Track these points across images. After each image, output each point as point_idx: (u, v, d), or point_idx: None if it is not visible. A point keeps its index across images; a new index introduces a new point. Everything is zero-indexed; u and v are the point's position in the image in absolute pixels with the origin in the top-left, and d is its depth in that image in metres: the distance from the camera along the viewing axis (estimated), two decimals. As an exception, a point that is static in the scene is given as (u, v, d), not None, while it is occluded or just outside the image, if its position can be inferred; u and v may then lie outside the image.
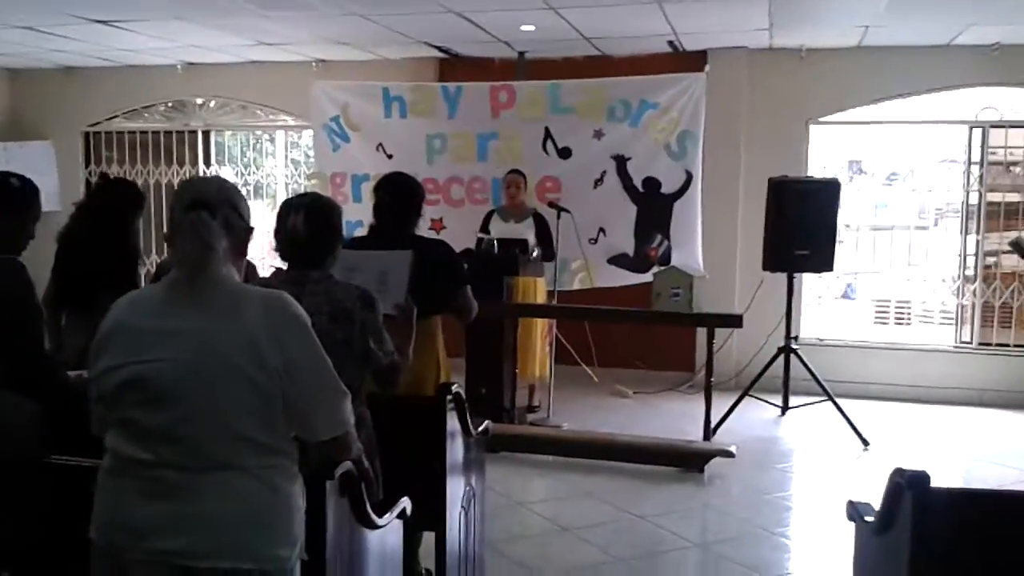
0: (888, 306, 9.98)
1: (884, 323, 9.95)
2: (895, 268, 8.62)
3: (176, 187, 8.76)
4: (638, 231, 7.24)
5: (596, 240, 7.30)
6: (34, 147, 9.16)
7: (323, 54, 8.34)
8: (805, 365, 6.36)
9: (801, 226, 6.18)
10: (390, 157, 7.59)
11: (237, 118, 9.24)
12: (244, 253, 2.09)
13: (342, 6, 6.35)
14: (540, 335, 6.69)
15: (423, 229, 3.93)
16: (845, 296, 9.95)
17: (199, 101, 9.25)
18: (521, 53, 7.87)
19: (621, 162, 7.21)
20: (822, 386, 6.25)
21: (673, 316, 5.79)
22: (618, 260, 7.29)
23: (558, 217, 6.64)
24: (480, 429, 3.51)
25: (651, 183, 7.19)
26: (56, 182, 8.81)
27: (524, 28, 6.88)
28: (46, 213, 3.16)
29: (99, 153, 9.52)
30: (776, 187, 6.31)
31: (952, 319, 7.96)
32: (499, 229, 6.82)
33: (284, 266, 2.82)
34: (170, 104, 9.31)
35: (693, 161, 7.13)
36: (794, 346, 6.45)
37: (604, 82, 7.26)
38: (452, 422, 3.23)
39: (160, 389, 1.88)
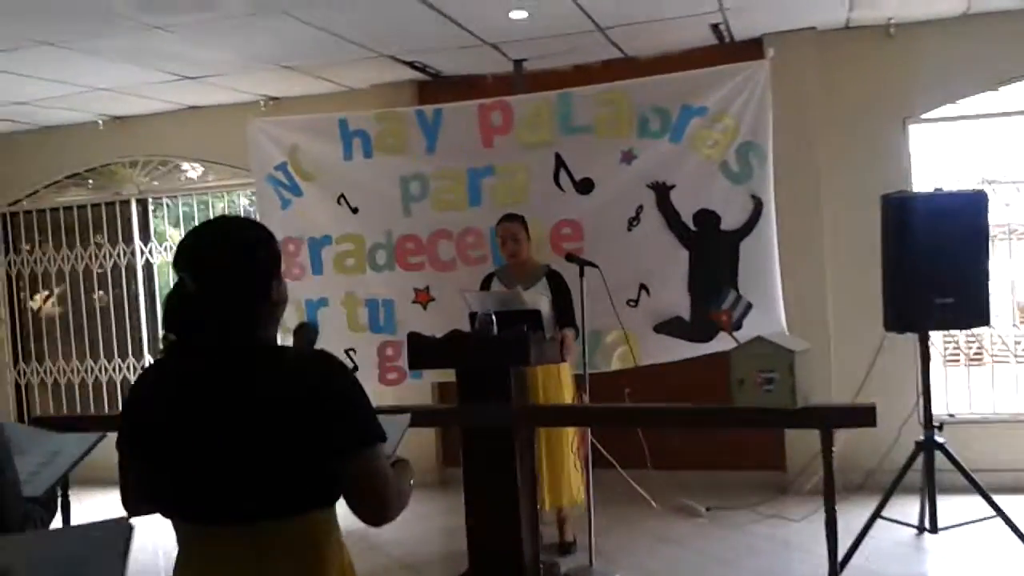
0: None
1: None
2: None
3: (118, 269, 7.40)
4: (694, 285, 5.29)
5: (637, 301, 5.35)
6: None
7: (270, 88, 6.57)
8: (958, 465, 4.32)
9: (939, 262, 4.19)
10: (355, 211, 5.75)
11: (177, 181, 7.47)
12: None
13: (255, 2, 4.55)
14: (568, 445, 4.72)
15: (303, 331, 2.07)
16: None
17: (130, 163, 7.49)
18: (518, 62, 6.02)
19: (662, 192, 5.29)
20: (987, 498, 4.20)
21: (769, 415, 3.78)
22: (670, 327, 5.32)
23: (581, 274, 4.72)
24: None
25: (706, 217, 5.26)
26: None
27: (515, 16, 5.02)
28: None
29: (21, 237, 7.78)
30: (895, 207, 4.33)
31: None
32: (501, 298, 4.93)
33: None
34: (96, 170, 7.56)
35: (762, 182, 5.18)
36: (939, 438, 4.40)
37: (630, 85, 5.36)
38: None
39: None
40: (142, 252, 7.49)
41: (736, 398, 3.81)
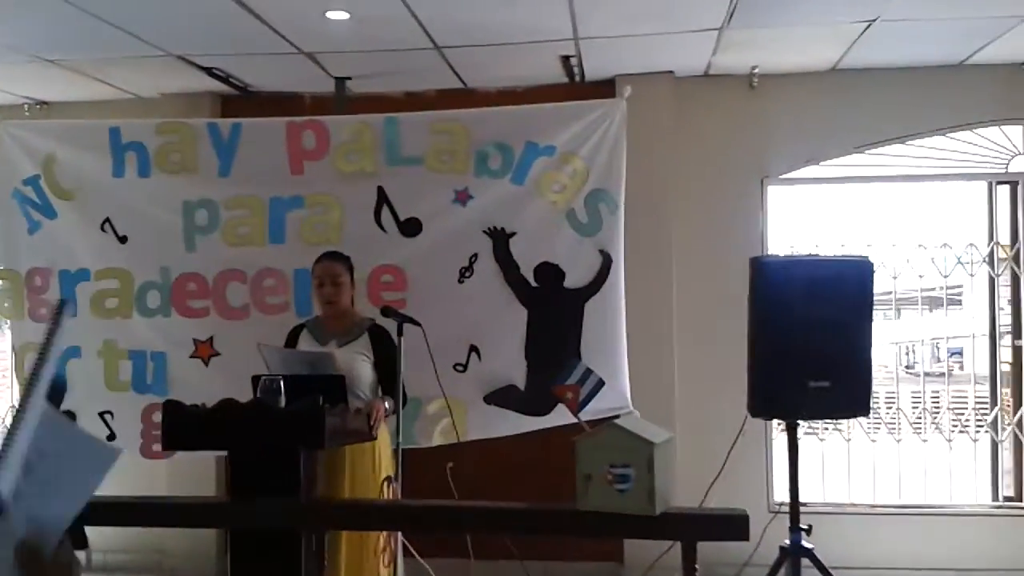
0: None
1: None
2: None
3: None
4: (532, 349, 4.54)
5: (466, 366, 4.55)
6: None
7: (35, 88, 5.38)
8: (826, 572, 3.71)
9: (814, 338, 3.60)
10: (123, 241, 4.66)
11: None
12: None
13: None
14: (373, 548, 3.77)
15: None
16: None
17: None
18: (340, 80, 5.13)
19: (501, 239, 4.54)
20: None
21: (621, 524, 3.00)
22: (503, 397, 4.55)
23: (399, 332, 3.87)
24: None
25: (549, 272, 4.54)
26: None
27: (333, 16, 4.14)
28: None
29: None
30: (766, 272, 3.72)
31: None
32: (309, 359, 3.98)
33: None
34: None
35: (611, 235, 4.53)
36: (807, 543, 3.77)
37: (469, 114, 4.61)
38: None
39: None
40: None
41: (581, 497, 3.02)
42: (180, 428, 3.36)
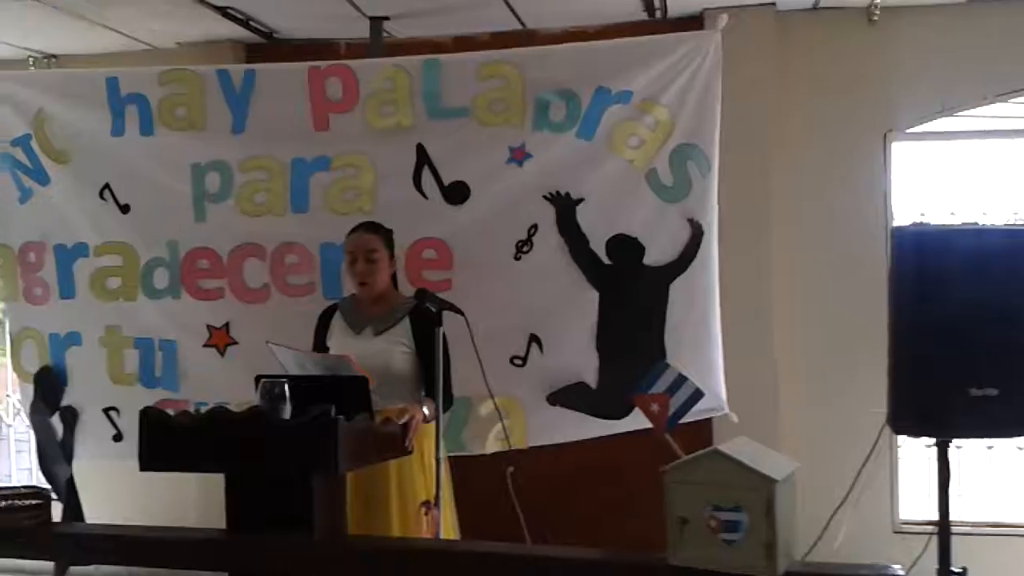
0: None
1: None
2: None
3: None
4: (606, 339, 3.76)
5: (525, 359, 3.80)
6: None
7: (40, 40, 4.75)
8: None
9: (978, 334, 2.72)
10: (125, 210, 4.00)
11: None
12: None
13: None
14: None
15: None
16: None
17: None
18: (376, 21, 4.36)
19: (566, 207, 3.75)
20: None
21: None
22: (570, 396, 3.79)
23: (437, 322, 3.11)
24: None
25: (625, 246, 3.74)
26: None
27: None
28: None
29: None
30: (911, 246, 2.84)
31: None
32: (342, 345, 3.28)
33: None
34: None
35: (702, 201, 3.72)
36: (961, 588, 2.92)
37: (526, 55, 3.80)
38: None
39: None
40: None
41: (674, 547, 2.24)
42: (161, 442, 2.67)
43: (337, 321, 3.42)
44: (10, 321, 4.27)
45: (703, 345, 3.75)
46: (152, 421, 2.66)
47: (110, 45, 4.83)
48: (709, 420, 3.88)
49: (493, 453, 3.80)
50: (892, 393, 2.84)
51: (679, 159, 3.70)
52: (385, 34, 4.53)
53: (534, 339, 3.79)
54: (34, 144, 4.01)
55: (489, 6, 4.28)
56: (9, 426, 5.56)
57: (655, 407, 2.56)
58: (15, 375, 4.33)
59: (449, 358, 3.25)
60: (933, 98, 4.35)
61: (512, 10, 4.35)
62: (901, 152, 4.42)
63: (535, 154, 3.73)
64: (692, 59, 3.66)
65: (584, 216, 3.73)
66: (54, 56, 4.99)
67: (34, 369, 4.13)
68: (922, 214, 4.39)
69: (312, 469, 2.58)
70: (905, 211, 4.39)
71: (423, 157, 3.81)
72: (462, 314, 3.09)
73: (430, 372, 3.18)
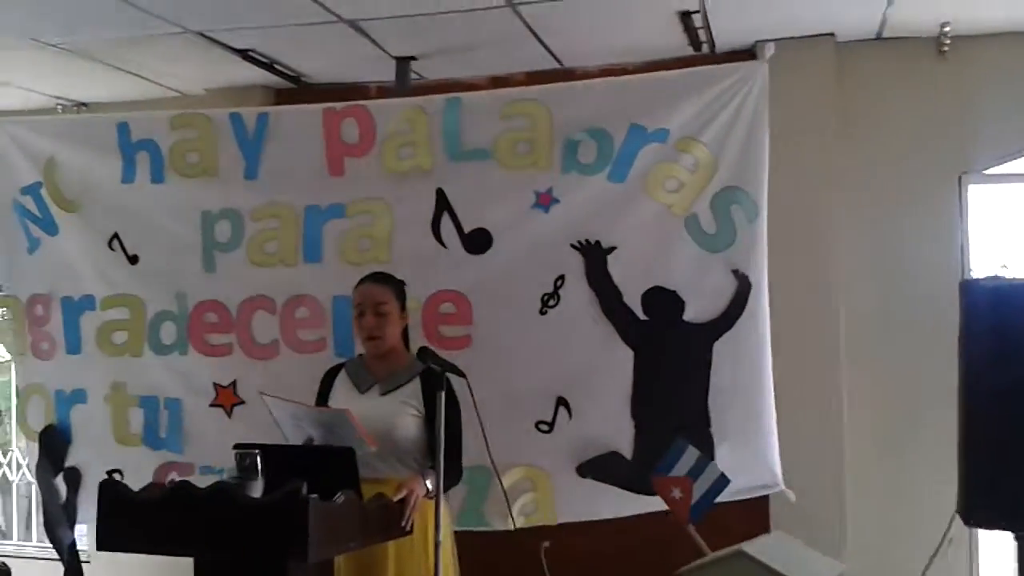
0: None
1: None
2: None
3: None
4: (642, 403, 3.38)
5: (552, 426, 3.44)
6: None
7: (67, 88, 4.65)
8: None
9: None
10: (134, 261, 3.80)
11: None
12: None
13: None
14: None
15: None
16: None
17: None
18: (402, 62, 4.13)
19: (596, 257, 3.40)
20: None
21: None
22: (603, 467, 3.40)
23: (439, 386, 2.77)
24: None
25: (663, 300, 3.38)
26: None
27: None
28: None
29: None
30: (983, 301, 2.43)
31: None
32: (344, 404, 2.98)
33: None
34: None
35: (750, 250, 3.35)
36: None
37: (553, 91, 3.49)
38: None
39: None
40: None
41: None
42: (120, 520, 2.39)
43: (341, 380, 3.12)
44: (18, 377, 4.10)
45: (753, 412, 3.34)
46: (109, 495, 2.39)
47: (139, 93, 4.70)
48: (766, 497, 3.46)
49: (520, 528, 3.44)
50: (964, 479, 2.41)
51: (722, 204, 3.34)
52: (415, 76, 4.30)
53: (562, 402, 3.43)
54: (44, 193, 3.86)
55: (522, 44, 4.00)
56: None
57: (677, 492, 2.20)
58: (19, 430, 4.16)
59: (460, 425, 2.92)
60: (1013, 136, 3.90)
61: (547, 48, 4.07)
62: (978, 196, 3.96)
63: (563, 199, 3.41)
64: (736, 93, 3.31)
65: (616, 266, 3.38)
66: (84, 104, 4.88)
67: (39, 427, 3.94)
68: (1004, 266, 3.92)
69: (284, 555, 2.27)
70: (984, 262, 3.93)
71: (443, 202, 3.52)
72: (463, 376, 2.76)
73: (445, 438, 2.85)
